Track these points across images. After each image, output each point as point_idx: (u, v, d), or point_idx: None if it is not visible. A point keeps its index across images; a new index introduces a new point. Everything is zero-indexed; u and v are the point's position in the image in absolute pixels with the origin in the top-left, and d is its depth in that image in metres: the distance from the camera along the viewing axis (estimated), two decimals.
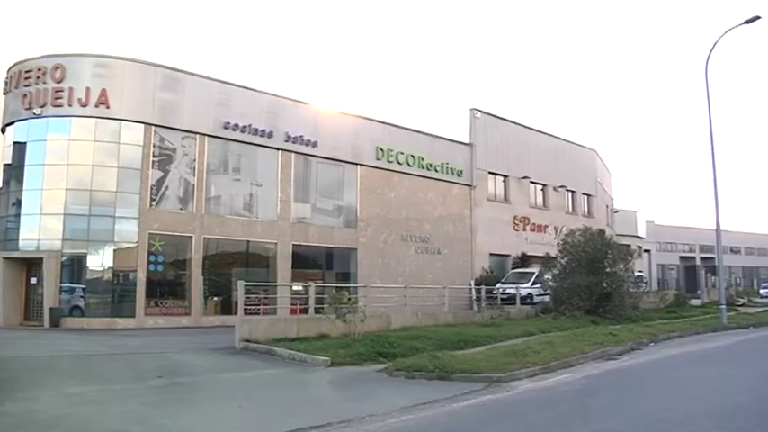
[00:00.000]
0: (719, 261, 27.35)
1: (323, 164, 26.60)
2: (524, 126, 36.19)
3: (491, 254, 32.57)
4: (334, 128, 26.86)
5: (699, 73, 25.27)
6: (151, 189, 22.07)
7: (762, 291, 63.55)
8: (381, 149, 28.41)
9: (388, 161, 28.69)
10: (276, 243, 24.95)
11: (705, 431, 7.17)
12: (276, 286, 22.20)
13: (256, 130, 24.42)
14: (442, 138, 31.31)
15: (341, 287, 19.79)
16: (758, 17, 24.61)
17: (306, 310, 18.69)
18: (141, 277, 21.53)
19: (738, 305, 36.93)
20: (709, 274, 49.17)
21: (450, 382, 10.97)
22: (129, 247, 21.73)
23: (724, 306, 25.17)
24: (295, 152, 25.64)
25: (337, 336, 16.00)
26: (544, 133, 37.66)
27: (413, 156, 29.59)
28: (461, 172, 31.62)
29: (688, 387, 10.61)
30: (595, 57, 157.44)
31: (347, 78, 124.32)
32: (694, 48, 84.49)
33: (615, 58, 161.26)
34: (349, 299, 17.05)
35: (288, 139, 25.31)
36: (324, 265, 26.95)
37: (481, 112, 33.05)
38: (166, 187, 22.45)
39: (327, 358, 13.18)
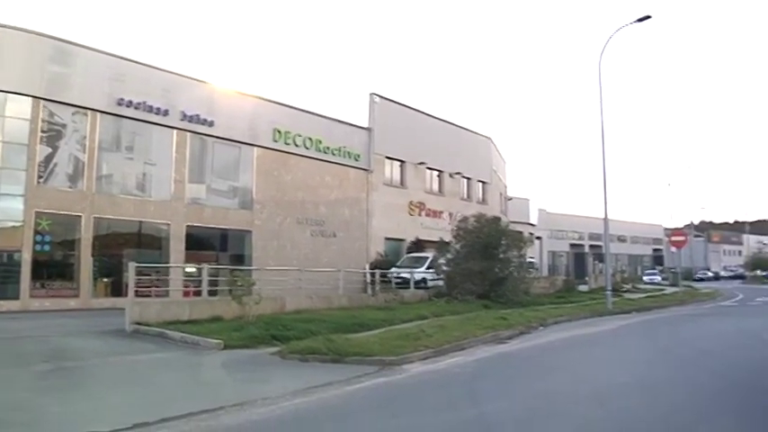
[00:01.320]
0: (606, 249, 29.37)
1: (219, 144, 26.81)
2: (422, 112, 37.39)
3: (386, 238, 33.58)
4: (232, 108, 27.07)
5: (593, 67, 26.93)
6: (39, 166, 21.70)
7: (645, 278, 68.00)
8: (279, 131, 28.86)
9: (286, 143, 29.17)
10: (169, 224, 25.04)
11: (588, 410, 7.67)
12: (169, 268, 22.10)
13: (151, 107, 24.36)
14: (340, 121, 32.03)
15: (235, 269, 20.27)
16: (649, 16, 26.43)
17: (199, 293, 18.73)
18: (26, 258, 21.16)
19: (623, 291, 39.50)
20: (596, 262, 51.72)
21: (344, 365, 11.21)
22: (13, 226, 21.32)
23: (610, 292, 26.92)
24: (191, 131, 25.74)
25: (231, 318, 16.21)
26: (442, 120, 38.98)
27: (310, 138, 30.18)
28: (359, 156, 32.46)
29: (574, 369, 11.28)
30: (494, 48, 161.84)
31: (247, 58, 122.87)
32: (589, 43, 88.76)
33: (514, 50, 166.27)
34: (246, 280, 17.52)
35: (184, 117, 25.40)
36: (218, 246, 27.20)
37: (380, 97, 33.94)
38: (55, 164, 22.14)
39: (220, 341, 13.26)
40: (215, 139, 26.61)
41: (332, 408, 8.19)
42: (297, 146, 29.58)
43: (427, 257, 30.32)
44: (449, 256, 28.03)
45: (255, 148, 28.00)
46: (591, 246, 74.74)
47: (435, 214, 37.12)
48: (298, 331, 14.66)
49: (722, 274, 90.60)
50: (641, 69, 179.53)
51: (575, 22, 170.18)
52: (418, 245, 34.34)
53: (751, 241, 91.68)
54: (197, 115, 25.75)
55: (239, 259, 27.03)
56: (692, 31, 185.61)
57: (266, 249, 27.88)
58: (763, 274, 74.50)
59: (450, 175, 38.88)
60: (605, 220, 28.02)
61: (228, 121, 26.81)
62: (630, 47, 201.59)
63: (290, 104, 29.81)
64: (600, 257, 46.33)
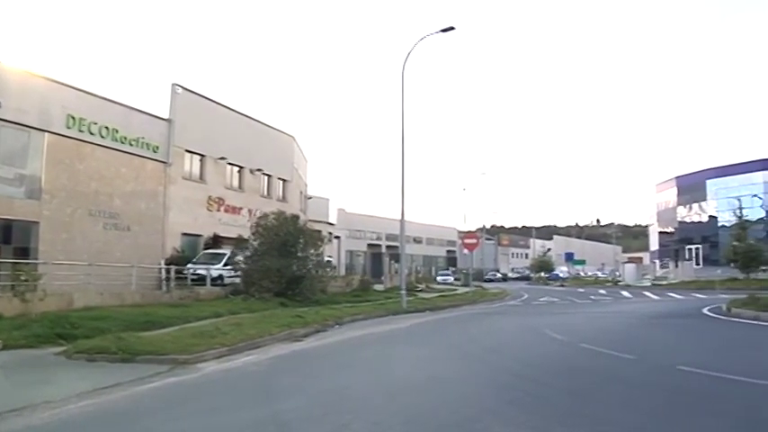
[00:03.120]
0: (402, 249, 31.57)
1: (6, 128, 25.74)
2: (226, 107, 37.82)
3: (183, 233, 33.58)
4: (21, 89, 25.95)
5: (399, 73, 28.78)
6: None
7: (439, 278, 72.12)
8: (73, 117, 28.09)
9: (80, 131, 28.40)
10: None
11: (379, 405, 8.03)
12: None
13: None
14: (139, 111, 31.59)
15: (19, 263, 19.80)
16: (452, 28, 28.43)
17: None
18: None
19: (418, 291, 42.12)
20: (393, 262, 54.24)
21: (135, 365, 11.21)
22: None
23: (404, 291, 28.85)
24: None
25: (12, 316, 15.77)
26: (245, 116, 39.64)
27: (107, 127, 29.56)
28: (158, 148, 32.21)
29: (368, 366, 11.80)
30: (304, 50, 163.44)
31: (42, 38, 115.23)
32: (397, 48, 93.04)
33: (324, 53, 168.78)
34: (31, 275, 17.10)
35: None
36: (0, 238, 26.25)
37: (183, 88, 33.89)
38: None
39: None
40: (1, 123, 25.59)
41: (120, 410, 8.12)
42: (92, 134, 28.86)
43: (225, 254, 30.83)
44: (247, 252, 28.65)
45: (47, 134, 27.04)
46: (388, 246, 78.05)
47: (235, 210, 37.67)
48: (86, 329, 14.55)
49: (510, 275, 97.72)
50: (445, 77, 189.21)
51: (383, 29, 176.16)
52: (216, 241, 34.65)
53: (537, 245, 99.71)
54: None
55: (24, 252, 25.90)
56: (492, 43, 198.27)
57: (55, 242, 27.08)
58: (547, 275, 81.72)
59: (251, 172, 39.54)
60: (402, 221, 29.91)
61: (17, 103, 25.67)
62: (437, 55, 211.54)
63: (87, 90, 29.00)
64: (396, 257, 48.79)
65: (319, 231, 32.84)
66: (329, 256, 41.20)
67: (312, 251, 28.91)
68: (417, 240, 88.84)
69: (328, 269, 32.82)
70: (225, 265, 29.77)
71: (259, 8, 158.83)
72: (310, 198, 52.09)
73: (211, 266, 29.04)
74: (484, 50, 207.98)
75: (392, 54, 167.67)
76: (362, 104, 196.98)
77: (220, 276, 29.14)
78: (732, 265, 48.45)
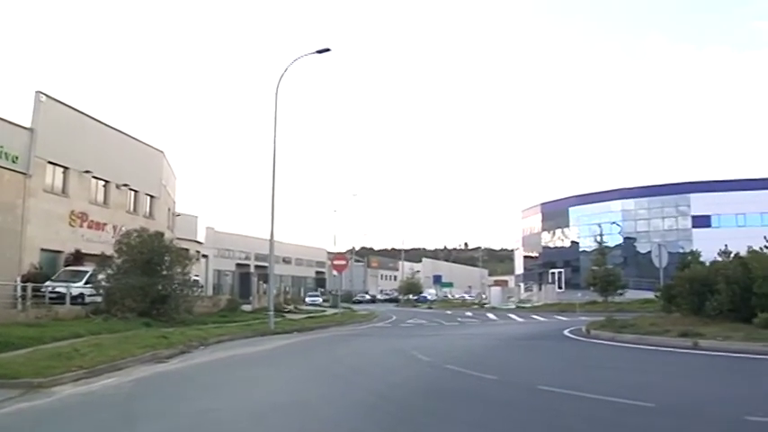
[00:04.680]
0: (271, 270, 31.30)
1: None
2: (93, 118, 36.41)
3: (43, 249, 31.90)
4: None
5: (273, 93, 28.72)
6: None
7: (308, 299, 71.89)
8: None
9: None
10: None
11: (245, 428, 8.02)
12: None
13: None
14: None
15: None
16: (328, 49, 28.79)
17: None
18: None
19: (286, 312, 41.87)
20: (261, 282, 53.82)
21: None
22: None
23: (272, 312, 28.72)
24: None
25: None
26: (113, 128, 38.35)
27: None
28: (17, 158, 30.47)
29: (234, 388, 11.57)
30: (175, 64, 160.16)
31: None
32: (271, 69, 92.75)
33: (195, 69, 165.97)
34: None
35: None
36: None
37: (47, 96, 32.33)
38: None
39: None
40: None
41: None
42: None
43: (87, 272, 29.53)
44: (109, 271, 27.65)
45: None
46: (257, 266, 77.25)
47: (99, 226, 36.23)
48: None
49: (379, 297, 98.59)
50: (320, 98, 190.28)
51: (260, 48, 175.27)
52: (78, 258, 33.15)
53: (405, 267, 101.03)
54: None
55: None
56: (367, 67, 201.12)
57: None
58: (415, 297, 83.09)
59: (118, 187, 38.24)
60: (271, 241, 29.81)
61: None
62: (313, 76, 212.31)
63: None
64: (265, 278, 48.33)
65: (186, 250, 32.24)
66: (196, 276, 40.26)
67: (178, 270, 28.25)
68: (287, 261, 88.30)
69: (195, 288, 32.08)
70: (86, 283, 28.52)
71: (133, 20, 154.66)
72: (178, 215, 50.90)
73: (72, 284, 27.63)
74: (358, 73, 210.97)
75: (268, 73, 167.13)
76: (236, 123, 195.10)
77: (81, 295, 27.86)
78: (592, 288, 50.97)
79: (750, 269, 20.32)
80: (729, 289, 20.22)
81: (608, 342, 19.75)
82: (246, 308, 41.54)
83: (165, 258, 27.79)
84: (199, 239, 55.13)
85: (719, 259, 24.03)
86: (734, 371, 13.08)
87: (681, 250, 47.95)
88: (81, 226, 35.08)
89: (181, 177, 51.72)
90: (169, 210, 47.29)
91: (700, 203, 67.28)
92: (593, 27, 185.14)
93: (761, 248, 22.23)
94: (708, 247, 32.41)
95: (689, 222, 68.28)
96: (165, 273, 27.63)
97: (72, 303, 26.59)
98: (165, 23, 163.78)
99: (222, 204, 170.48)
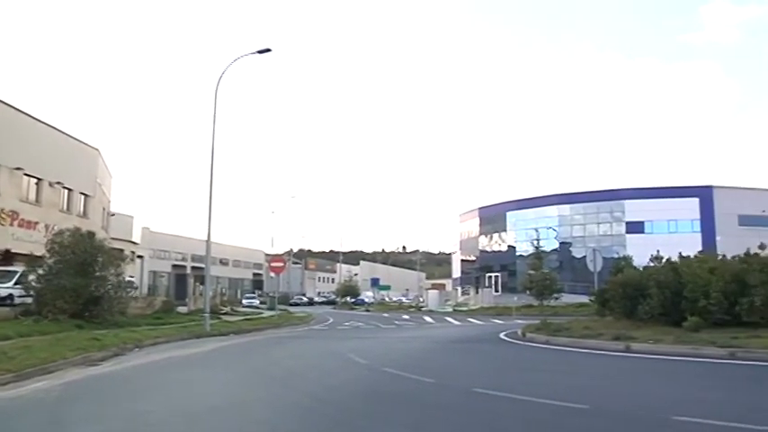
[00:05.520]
0: (207, 271, 30.92)
1: None
2: (25, 113, 35.23)
3: None
4: None
5: (213, 93, 28.38)
6: None
7: (245, 301, 71.31)
8: None
9: None
10: None
11: (182, 429, 7.99)
12: None
13: None
14: None
15: None
16: (269, 49, 28.55)
17: None
18: None
19: (223, 314, 41.48)
20: (198, 283, 53.07)
21: None
22: None
23: (208, 314, 28.18)
24: None
25: None
26: (46, 124, 37.21)
27: None
28: None
29: (169, 390, 11.50)
30: (112, 60, 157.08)
31: None
32: (213, 69, 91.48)
33: (134, 66, 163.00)
34: None
35: None
36: None
37: None
38: None
39: None
40: None
41: None
42: None
43: (17, 272, 28.59)
44: (41, 271, 26.95)
45: None
46: (193, 267, 76.30)
47: (30, 225, 35.07)
48: None
49: (316, 299, 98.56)
50: (259, 100, 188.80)
51: (201, 47, 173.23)
52: (7, 258, 32.24)
53: (343, 270, 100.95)
54: None
55: None
56: (307, 70, 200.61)
57: None
58: (353, 300, 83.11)
59: (51, 185, 37.14)
60: (208, 242, 29.38)
61: None
62: (254, 77, 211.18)
63: None
64: (202, 279, 47.67)
65: (121, 250, 31.63)
66: (131, 277, 39.53)
67: (112, 270, 27.58)
68: (224, 262, 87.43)
69: (129, 290, 31.46)
70: (16, 283, 27.57)
71: (70, 14, 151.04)
72: (114, 215, 49.94)
73: (0, 285, 26.98)
74: (299, 75, 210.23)
75: (208, 72, 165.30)
76: (175, 123, 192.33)
77: (10, 296, 27.00)
78: (528, 292, 51.80)
79: (680, 274, 20.94)
80: (661, 293, 20.76)
81: (543, 345, 20.01)
82: (182, 310, 40.88)
83: (99, 259, 27.11)
84: (134, 240, 54.29)
85: (652, 264, 24.62)
86: (664, 373, 13.40)
87: (615, 255, 49.04)
88: (11, 225, 33.97)
89: (117, 176, 50.79)
90: (104, 209, 46.33)
91: (634, 210, 68.98)
92: (531, 33, 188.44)
93: (692, 254, 22.94)
94: (641, 252, 33.17)
95: (623, 228, 69.79)
96: (98, 274, 26.90)
97: (0, 305, 25.89)
98: (103, 18, 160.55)
99: (159, 205, 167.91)
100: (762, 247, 20.02)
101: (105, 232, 41.07)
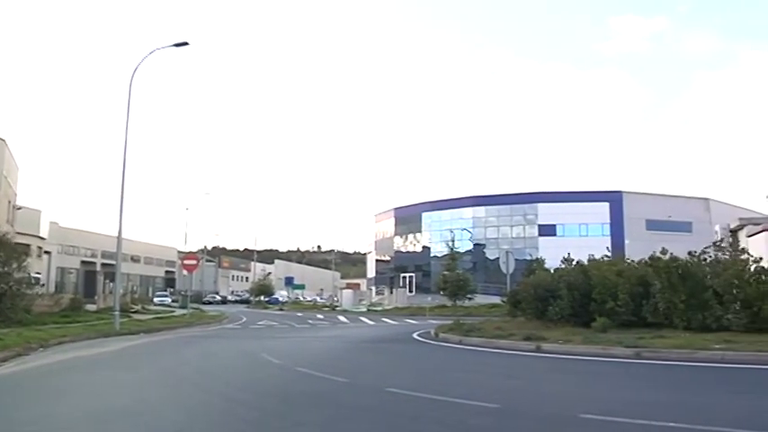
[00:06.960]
0: (118, 268, 29.93)
1: None
2: None
3: None
4: None
5: (127, 86, 27.58)
6: None
7: (156, 299, 69.83)
8: None
9: None
10: None
11: None
12: None
13: None
14: None
15: None
16: (186, 43, 28.09)
17: None
18: None
19: (133, 312, 40.42)
20: (107, 281, 51.83)
21: None
22: None
23: (117, 312, 27.37)
24: None
25: None
26: None
27: None
28: None
29: (74, 392, 11.00)
30: (19, 47, 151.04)
31: None
32: (128, 61, 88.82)
33: (44, 55, 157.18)
34: None
35: None
36: None
37: None
38: None
39: None
40: None
41: None
42: None
43: None
44: None
45: None
46: (103, 264, 74.28)
47: None
48: None
49: (230, 298, 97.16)
50: (173, 96, 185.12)
51: (116, 39, 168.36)
52: None
53: (258, 268, 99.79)
54: None
55: None
56: (224, 65, 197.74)
57: None
58: (266, 299, 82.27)
59: None
60: (119, 238, 28.59)
61: None
62: (171, 72, 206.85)
63: None
64: (111, 276, 46.56)
65: (27, 245, 30.43)
66: (37, 273, 38.08)
67: (15, 266, 26.54)
68: (135, 259, 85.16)
69: (34, 286, 30.32)
70: None
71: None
72: (20, 209, 47.93)
73: None
74: (215, 70, 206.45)
75: (124, 64, 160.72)
76: (87, 115, 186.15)
77: None
78: (442, 292, 52.11)
79: (590, 276, 21.54)
80: (571, 295, 21.29)
81: (456, 345, 20.15)
82: (91, 308, 39.67)
83: (0, 254, 26.01)
84: (41, 235, 52.32)
85: (563, 267, 25.19)
86: (573, 372, 13.66)
87: (528, 257, 50.01)
88: None
89: (25, 169, 48.81)
90: (9, 202, 44.37)
91: (546, 213, 70.33)
92: (451, 37, 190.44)
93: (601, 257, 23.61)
94: (553, 254, 33.92)
95: (536, 231, 70.97)
96: (0, 270, 25.84)
97: None
98: (11, 2, 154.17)
99: (69, 199, 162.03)
100: (664, 252, 20.68)
101: (10, 226, 39.34)
